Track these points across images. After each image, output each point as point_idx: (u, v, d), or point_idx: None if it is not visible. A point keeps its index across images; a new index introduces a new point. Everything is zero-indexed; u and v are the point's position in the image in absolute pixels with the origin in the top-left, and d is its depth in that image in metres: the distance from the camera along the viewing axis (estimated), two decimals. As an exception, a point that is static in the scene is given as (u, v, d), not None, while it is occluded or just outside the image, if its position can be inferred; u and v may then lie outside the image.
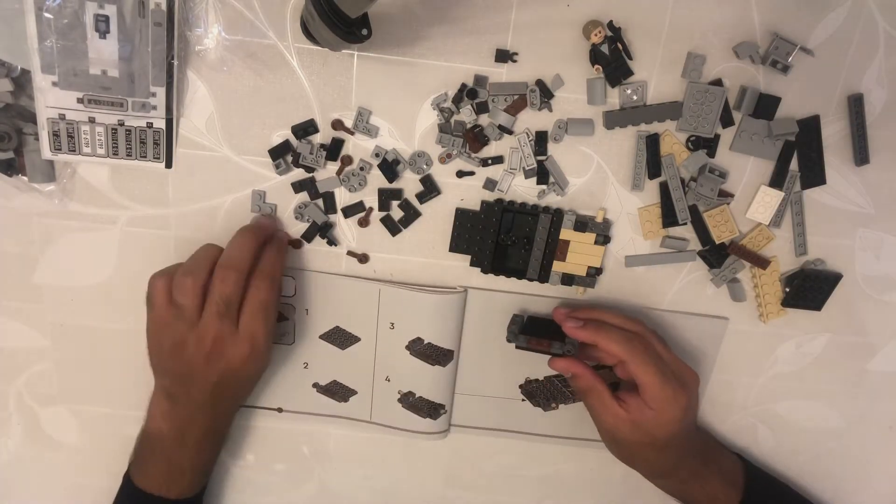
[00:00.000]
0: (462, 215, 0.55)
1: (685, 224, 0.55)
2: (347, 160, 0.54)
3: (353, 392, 0.61)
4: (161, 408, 0.54)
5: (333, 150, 0.53)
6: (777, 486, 0.63)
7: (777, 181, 0.55)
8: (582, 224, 0.55)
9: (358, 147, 0.54)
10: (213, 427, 0.55)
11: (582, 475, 0.66)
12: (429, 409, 0.61)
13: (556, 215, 0.55)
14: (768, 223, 0.56)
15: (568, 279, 0.57)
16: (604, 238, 0.56)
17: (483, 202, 0.55)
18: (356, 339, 0.59)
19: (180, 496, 0.55)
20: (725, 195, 0.55)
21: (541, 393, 0.62)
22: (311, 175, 0.54)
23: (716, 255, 0.57)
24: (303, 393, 0.61)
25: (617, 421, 0.52)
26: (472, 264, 0.57)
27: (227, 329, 0.49)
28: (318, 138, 0.53)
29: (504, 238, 0.56)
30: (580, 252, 0.56)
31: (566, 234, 0.56)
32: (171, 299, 0.50)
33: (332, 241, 0.56)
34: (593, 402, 0.53)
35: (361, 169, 0.54)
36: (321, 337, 0.59)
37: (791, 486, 0.64)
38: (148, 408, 0.55)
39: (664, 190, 0.55)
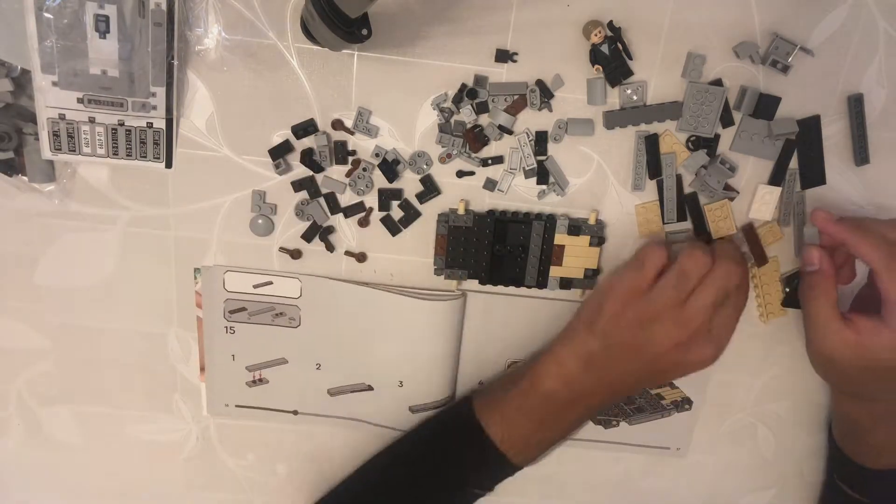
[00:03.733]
0: (454, 231, 0.55)
1: (671, 223, 0.56)
2: (357, 163, 0.54)
3: (369, 388, 0.61)
4: (567, 369, 0.51)
5: (343, 151, 0.54)
6: None
7: (777, 181, 0.55)
8: (575, 228, 0.55)
9: (358, 147, 0.54)
10: (598, 409, 0.54)
11: (582, 475, 0.66)
12: (433, 409, 0.61)
13: (549, 221, 0.55)
14: (776, 219, 0.56)
15: (566, 283, 0.57)
16: (598, 239, 0.56)
17: (475, 214, 0.55)
18: (363, 343, 0.59)
19: (520, 463, 0.54)
20: (730, 190, 0.55)
21: (601, 411, 0.62)
22: (310, 174, 0.54)
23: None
24: (316, 396, 0.61)
25: (842, 342, 0.47)
26: (470, 277, 0.57)
27: (706, 324, 0.48)
28: (327, 138, 0.53)
29: (499, 248, 0.56)
30: (576, 255, 0.56)
31: (560, 238, 0.56)
32: (660, 273, 0.49)
33: (330, 247, 0.56)
34: (817, 312, 0.49)
35: (364, 170, 0.54)
36: (328, 340, 0.59)
37: None
38: (543, 363, 0.52)
39: (663, 188, 0.55)
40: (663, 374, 0.52)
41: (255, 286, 0.57)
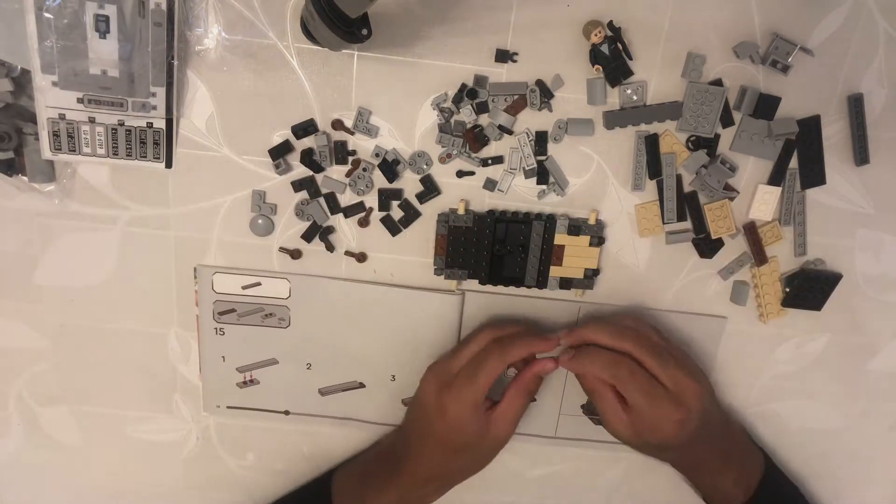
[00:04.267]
0: (454, 231, 0.55)
1: (671, 223, 0.56)
2: (357, 163, 0.54)
3: (362, 385, 0.61)
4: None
5: (343, 151, 0.54)
6: (788, 492, 0.62)
7: (777, 181, 0.55)
8: (575, 228, 0.55)
9: (358, 147, 0.54)
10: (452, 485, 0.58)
11: (582, 475, 0.66)
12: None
13: (549, 221, 0.55)
14: (777, 219, 0.56)
15: (566, 283, 0.57)
16: (598, 239, 0.56)
17: (475, 214, 0.55)
18: (359, 341, 0.59)
19: None
20: (730, 190, 0.55)
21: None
22: (310, 174, 0.54)
23: (709, 244, 0.57)
24: (307, 396, 0.61)
25: (619, 423, 0.52)
26: (470, 277, 0.57)
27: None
28: (327, 138, 0.53)
29: (499, 248, 0.56)
30: (576, 255, 0.56)
31: (560, 238, 0.56)
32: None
33: (330, 247, 0.56)
34: (597, 403, 0.53)
35: (364, 170, 0.54)
36: (322, 339, 0.59)
37: (803, 495, 0.63)
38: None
39: (663, 188, 0.55)
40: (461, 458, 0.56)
41: (244, 287, 0.57)
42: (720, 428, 0.57)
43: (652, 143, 0.54)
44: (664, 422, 0.51)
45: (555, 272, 0.57)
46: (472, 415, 0.52)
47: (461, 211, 0.55)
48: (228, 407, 0.61)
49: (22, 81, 0.50)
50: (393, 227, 0.56)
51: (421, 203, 0.55)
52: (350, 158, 0.54)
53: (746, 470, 0.59)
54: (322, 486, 0.59)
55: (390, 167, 0.54)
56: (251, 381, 0.61)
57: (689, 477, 0.60)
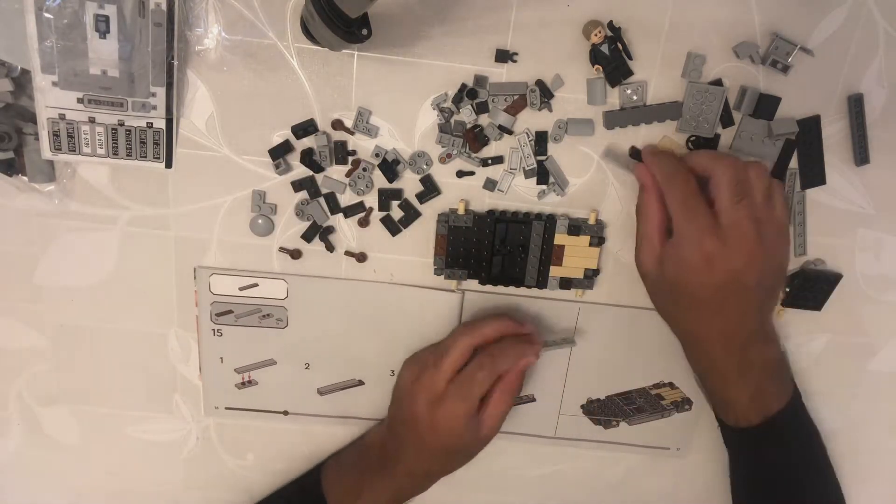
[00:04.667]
0: (454, 231, 0.55)
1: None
2: (357, 163, 0.54)
3: (361, 383, 0.61)
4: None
5: (343, 151, 0.54)
6: (806, 431, 0.57)
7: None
8: (575, 228, 0.55)
9: (358, 147, 0.54)
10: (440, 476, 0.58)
11: (582, 475, 0.66)
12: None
13: (549, 221, 0.55)
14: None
15: (566, 283, 0.57)
16: (598, 239, 0.56)
17: (475, 214, 0.55)
18: (358, 340, 0.59)
19: None
20: None
21: (601, 411, 0.62)
22: (310, 174, 0.54)
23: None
24: (306, 395, 0.61)
25: (651, 254, 0.50)
26: (470, 277, 0.57)
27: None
28: (327, 138, 0.53)
29: (499, 248, 0.56)
30: (576, 255, 0.56)
31: (560, 238, 0.56)
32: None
33: (329, 247, 0.56)
34: (643, 227, 0.51)
35: (364, 170, 0.54)
36: (320, 339, 0.59)
37: (822, 444, 0.59)
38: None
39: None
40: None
41: (241, 288, 0.57)
42: (756, 325, 0.50)
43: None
44: (695, 258, 0.46)
45: (555, 272, 0.57)
46: (466, 426, 0.53)
47: (461, 211, 0.55)
48: (227, 408, 0.61)
49: (22, 81, 0.50)
50: (393, 227, 0.56)
51: (421, 203, 0.55)
52: (350, 158, 0.54)
53: (769, 391, 0.53)
54: (312, 479, 0.60)
55: (390, 167, 0.54)
56: (249, 381, 0.61)
57: (702, 374, 0.54)
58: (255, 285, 0.57)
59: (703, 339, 0.51)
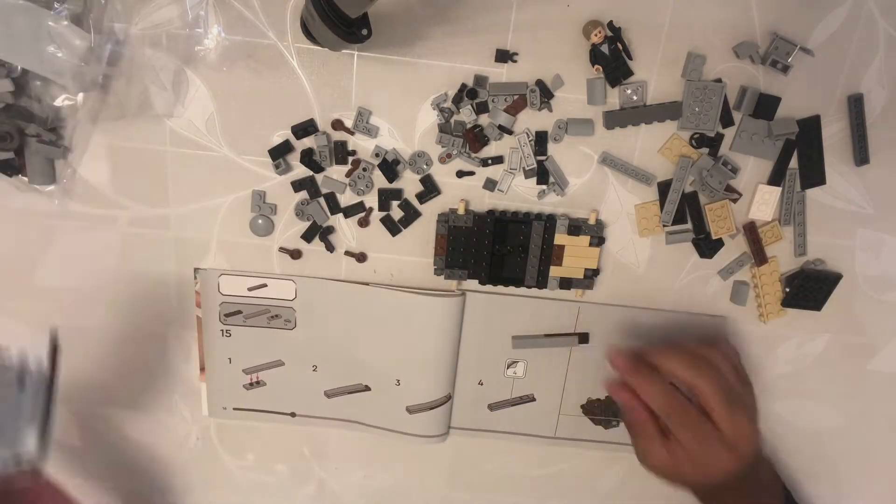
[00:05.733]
0: (454, 231, 0.55)
1: (667, 225, 0.56)
2: (357, 163, 0.54)
3: (367, 388, 0.61)
4: None
5: (343, 151, 0.54)
6: None
7: (777, 181, 0.55)
8: (575, 228, 0.55)
9: (358, 147, 0.54)
10: None
11: (582, 475, 0.66)
12: (431, 409, 0.61)
13: (549, 221, 0.55)
14: (777, 219, 0.56)
15: (566, 283, 0.57)
16: (598, 240, 0.56)
17: (475, 214, 0.55)
18: (363, 343, 0.59)
19: None
20: (732, 191, 0.55)
21: (602, 411, 0.62)
22: (310, 174, 0.54)
23: (709, 245, 0.57)
24: (313, 397, 0.61)
25: (658, 458, 0.51)
26: (470, 277, 0.57)
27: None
28: (327, 138, 0.53)
29: (499, 248, 0.56)
30: (576, 255, 0.56)
31: (560, 238, 0.56)
32: None
33: (329, 247, 0.56)
34: (637, 433, 0.52)
35: (364, 170, 0.54)
36: (328, 340, 0.59)
37: None
38: None
39: (663, 189, 0.55)
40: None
41: (250, 289, 0.57)
42: (760, 475, 0.54)
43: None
44: (712, 466, 0.49)
45: (555, 272, 0.57)
46: None
47: (461, 211, 0.55)
48: (235, 409, 0.61)
49: (22, 82, 0.50)
50: (393, 227, 0.56)
51: (421, 203, 0.55)
52: (350, 158, 0.54)
53: None
54: None
55: (390, 167, 0.54)
56: (258, 382, 0.61)
57: None
58: (264, 286, 0.57)
59: (716, 499, 0.54)
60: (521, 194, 0.55)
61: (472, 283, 0.58)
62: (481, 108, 0.53)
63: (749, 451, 0.49)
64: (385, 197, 0.55)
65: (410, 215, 0.56)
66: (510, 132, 0.53)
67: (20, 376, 0.47)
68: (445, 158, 0.54)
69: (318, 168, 0.54)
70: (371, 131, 0.53)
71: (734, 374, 0.52)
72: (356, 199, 0.55)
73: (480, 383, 0.61)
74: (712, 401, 0.48)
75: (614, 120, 0.53)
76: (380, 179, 0.54)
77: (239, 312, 0.58)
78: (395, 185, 0.55)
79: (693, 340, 0.53)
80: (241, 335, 0.58)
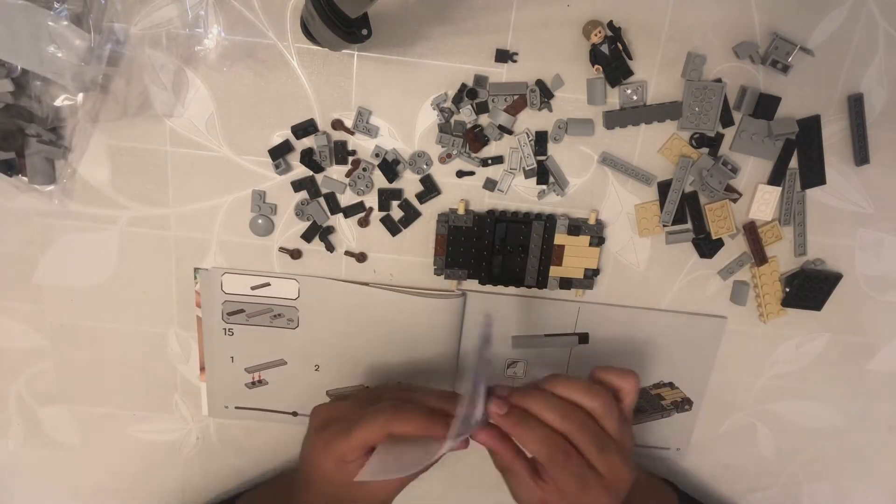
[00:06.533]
0: (454, 231, 0.55)
1: (667, 225, 0.56)
2: (357, 163, 0.54)
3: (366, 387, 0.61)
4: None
5: (343, 151, 0.54)
6: None
7: (777, 181, 0.55)
8: (575, 228, 0.55)
9: (358, 147, 0.54)
10: None
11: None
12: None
13: (549, 221, 0.55)
14: (777, 219, 0.56)
15: (566, 283, 0.57)
16: (598, 240, 0.56)
17: (475, 214, 0.55)
18: (364, 344, 0.59)
19: None
20: (732, 191, 0.55)
21: None
22: (310, 174, 0.54)
23: (709, 244, 0.57)
24: (315, 397, 0.61)
25: (532, 500, 0.49)
26: (470, 277, 0.57)
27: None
28: (327, 138, 0.53)
29: (499, 248, 0.56)
30: (576, 255, 0.56)
31: (560, 238, 0.56)
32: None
33: (329, 247, 0.56)
34: (510, 478, 0.50)
35: (364, 170, 0.54)
36: (330, 340, 0.59)
37: None
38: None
39: (663, 189, 0.55)
40: None
41: (253, 288, 0.57)
42: (634, 498, 0.52)
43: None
44: (578, 494, 0.47)
45: (555, 272, 0.57)
46: (336, 469, 0.48)
47: (461, 211, 0.55)
48: (237, 407, 0.61)
49: (22, 81, 0.50)
50: (393, 227, 0.56)
51: (421, 203, 0.55)
52: (350, 158, 0.54)
53: None
54: None
55: (390, 167, 0.54)
56: (260, 381, 0.61)
57: None
58: (268, 285, 0.57)
59: None
60: (521, 194, 0.55)
61: (472, 283, 0.58)
62: (481, 108, 0.53)
63: (624, 489, 0.48)
64: (385, 197, 0.55)
65: (410, 215, 0.56)
66: (510, 132, 0.53)
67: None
68: (445, 158, 0.54)
69: (318, 168, 0.54)
70: (371, 131, 0.53)
71: (608, 410, 0.48)
72: (356, 199, 0.55)
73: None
74: (582, 444, 0.47)
75: (614, 120, 0.53)
76: (380, 179, 0.54)
77: (241, 311, 0.58)
78: (395, 185, 0.55)
79: (564, 381, 0.49)
80: (243, 334, 0.58)
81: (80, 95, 0.51)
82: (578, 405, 0.47)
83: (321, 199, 0.55)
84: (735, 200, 0.56)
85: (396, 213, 0.56)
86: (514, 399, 0.48)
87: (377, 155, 0.54)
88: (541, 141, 0.54)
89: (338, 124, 0.53)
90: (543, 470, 0.48)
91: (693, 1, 0.51)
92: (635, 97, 0.53)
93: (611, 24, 0.50)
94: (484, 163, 0.54)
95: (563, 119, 0.53)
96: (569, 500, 0.47)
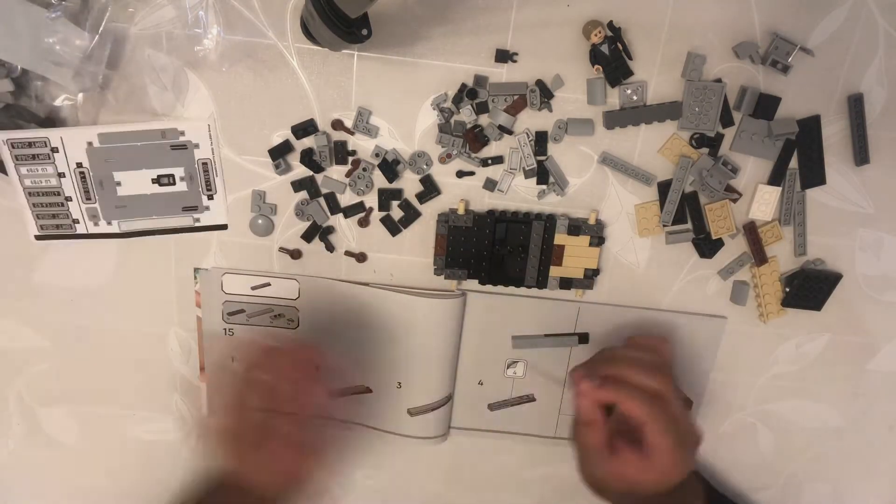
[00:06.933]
0: (454, 231, 0.55)
1: (667, 225, 0.56)
2: (357, 163, 0.54)
3: (368, 390, 0.61)
4: None
5: (343, 151, 0.54)
6: None
7: (777, 181, 0.55)
8: (575, 228, 0.55)
9: (358, 147, 0.54)
10: None
11: (582, 475, 0.66)
12: (432, 410, 0.61)
13: (549, 221, 0.55)
14: (777, 219, 0.56)
15: (566, 283, 0.57)
16: (598, 239, 0.56)
17: (475, 214, 0.55)
18: (365, 344, 0.59)
19: None
20: (732, 191, 0.55)
21: None
22: (310, 174, 0.54)
23: (709, 244, 0.57)
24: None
25: (610, 472, 0.50)
26: (470, 277, 0.57)
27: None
28: (327, 138, 0.53)
29: (499, 248, 0.56)
30: (576, 255, 0.56)
31: (560, 238, 0.56)
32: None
33: (329, 247, 0.56)
34: (587, 445, 0.51)
35: (364, 170, 0.54)
36: (330, 340, 0.59)
37: None
38: None
39: (663, 189, 0.55)
40: None
41: (253, 288, 0.57)
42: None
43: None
44: (672, 470, 0.48)
45: (555, 272, 0.57)
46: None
47: (461, 211, 0.55)
48: None
49: (22, 81, 0.50)
50: (393, 227, 0.56)
51: (421, 203, 0.55)
52: (350, 158, 0.54)
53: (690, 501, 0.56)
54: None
55: (390, 167, 0.54)
56: None
57: None
58: (268, 285, 0.57)
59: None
60: (521, 194, 0.55)
61: (472, 283, 0.58)
62: (481, 108, 0.53)
63: (697, 449, 0.51)
64: (385, 197, 0.55)
65: (410, 215, 0.56)
66: (510, 132, 0.53)
67: None
68: (445, 158, 0.54)
69: (318, 168, 0.54)
70: (371, 131, 0.53)
71: (679, 406, 0.50)
72: (356, 199, 0.55)
73: (480, 383, 0.61)
74: (676, 404, 0.49)
75: (614, 120, 0.53)
76: (380, 179, 0.54)
77: (242, 311, 0.58)
78: (395, 185, 0.55)
79: (637, 350, 0.52)
80: (244, 334, 0.58)
81: (80, 95, 0.51)
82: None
83: (321, 199, 0.55)
84: (735, 200, 0.56)
85: (396, 213, 0.56)
86: (603, 371, 0.50)
87: (377, 155, 0.54)
88: (541, 141, 0.54)
89: (338, 124, 0.53)
90: (617, 444, 0.50)
91: (693, 1, 0.51)
92: (635, 97, 0.53)
93: (611, 24, 0.50)
94: (484, 163, 0.54)
95: (563, 119, 0.53)
96: (662, 464, 0.48)
